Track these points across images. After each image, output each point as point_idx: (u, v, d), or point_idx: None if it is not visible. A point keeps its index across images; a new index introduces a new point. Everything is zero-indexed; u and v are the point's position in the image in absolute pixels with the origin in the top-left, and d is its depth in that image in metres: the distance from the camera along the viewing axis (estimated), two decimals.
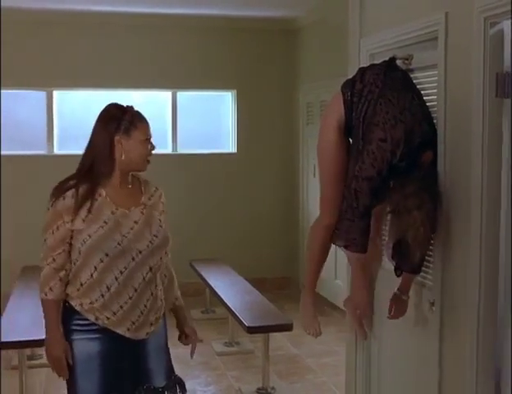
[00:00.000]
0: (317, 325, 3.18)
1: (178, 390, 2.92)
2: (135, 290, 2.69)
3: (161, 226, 2.78)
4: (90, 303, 2.67)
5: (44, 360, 5.13)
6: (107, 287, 2.66)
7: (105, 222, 2.65)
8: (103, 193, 2.70)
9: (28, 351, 4.89)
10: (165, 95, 7.48)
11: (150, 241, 2.71)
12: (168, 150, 7.47)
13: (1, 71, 6.47)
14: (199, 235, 7.38)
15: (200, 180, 7.48)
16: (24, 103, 7.18)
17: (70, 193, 2.65)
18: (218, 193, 7.53)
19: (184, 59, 7.36)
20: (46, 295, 2.69)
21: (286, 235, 7.74)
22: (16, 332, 4.27)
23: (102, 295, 2.66)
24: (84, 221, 2.64)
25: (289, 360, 5.42)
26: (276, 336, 5.47)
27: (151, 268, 2.72)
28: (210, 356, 5.49)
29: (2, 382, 4.83)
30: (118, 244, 2.65)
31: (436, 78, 2.80)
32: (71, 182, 2.69)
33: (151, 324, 2.77)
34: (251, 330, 4.60)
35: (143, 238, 2.70)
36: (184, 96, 7.54)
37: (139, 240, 2.69)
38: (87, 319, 2.69)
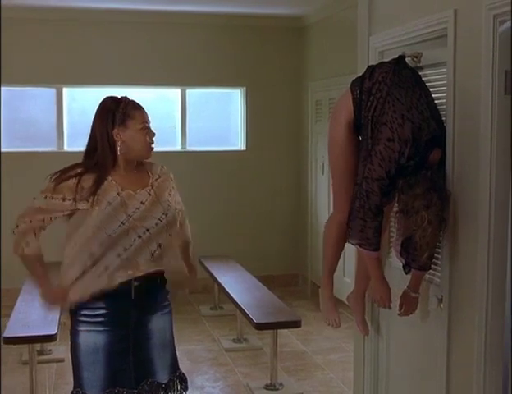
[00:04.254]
0: (337, 316, 3.28)
1: (180, 387, 2.94)
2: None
3: (169, 206, 2.81)
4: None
5: (54, 355, 5.23)
6: (106, 267, 2.68)
7: (109, 203, 2.68)
8: (109, 178, 2.73)
9: (38, 346, 4.92)
10: (174, 93, 7.49)
11: (159, 219, 2.74)
12: (177, 148, 7.48)
13: (0, 68, 6.48)
14: (208, 232, 7.39)
15: (209, 177, 7.49)
16: (34, 100, 7.19)
17: (75, 177, 2.69)
18: (227, 190, 7.55)
19: (193, 57, 7.37)
20: (23, 250, 2.71)
21: (295, 232, 7.75)
22: (26, 327, 4.30)
23: (99, 276, 2.68)
24: (87, 201, 2.67)
25: (296, 357, 5.43)
26: (283, 333, 5.48)
27: (160, 245, 2.75)
28: (218, 352, 5.52)
29: (13, 377, 4.88)
30: (122, 223, 2.67)
31: (445, 76, 2.80)
32: (78, 170, 2.72)
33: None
34: (259, 326, 4.62)
35: (150, 217, 2.73)
36: (193, 93, 7.55)
37: (146, 220, 2.71)
38: (94, 308, 2.71)
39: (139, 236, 2.70)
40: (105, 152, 2.73)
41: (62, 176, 2.71)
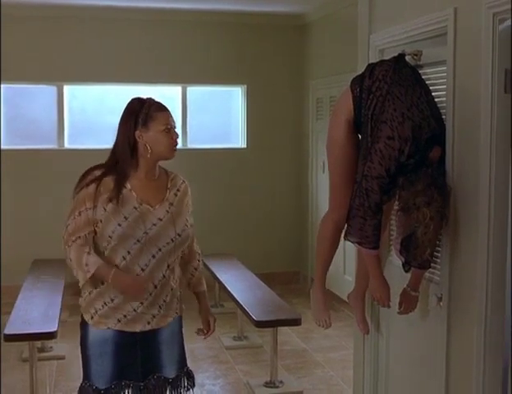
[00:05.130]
0: (328, 317, 3.27)
1: (186, 383, 2.95)
2: (155, 287, 2.73)
3: (186, 226, 2.80)
4: (104, 304, 2.70)
5: (55, 352, 5.23)
6: None
7: (125, 218, 2.65)
8: (128, 185, 2.70)
9: (38, 344, 4.93)
10: (175, 90, 7.49)
11: (172, 239, 2.72)
12: (178, 145, 7.46)
13: (1, 65, 6.49)
14: (209, 229, 7.39)
15: (210, 175, 7.49)
16: (34, 97, 7.20)
17: (94, 182, 2.67)
18: (228, 188, 7.55)
19: (194, 54, 7.37)
20: (87, 275, 2.67)
21: (295, 230, 7.76)
22: (27, 324, 4.31)
23: (117, 296, 2.70)
24: (105, 209, 2.65)
25: (297, 355, 5.43)
26: (284, 331, 5.49)
27: (168, 266, 2.76)
28: (219, 350, 5.52)
29: (13, 375, 4.88)
30: (138, 240, 2.66)
31: (445, 74, 2.80)
32: (97, 172, 2.70)
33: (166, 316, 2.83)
34: (259, 324, 4.62)
35: (165, 235, 2.71)
36: (194, 91, 7.55)
37: (159, 238, 2.70)
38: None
39: (153, 256, 2.70)
40: (126, 154, 2.70)
41: (82, 183, 2.69)
